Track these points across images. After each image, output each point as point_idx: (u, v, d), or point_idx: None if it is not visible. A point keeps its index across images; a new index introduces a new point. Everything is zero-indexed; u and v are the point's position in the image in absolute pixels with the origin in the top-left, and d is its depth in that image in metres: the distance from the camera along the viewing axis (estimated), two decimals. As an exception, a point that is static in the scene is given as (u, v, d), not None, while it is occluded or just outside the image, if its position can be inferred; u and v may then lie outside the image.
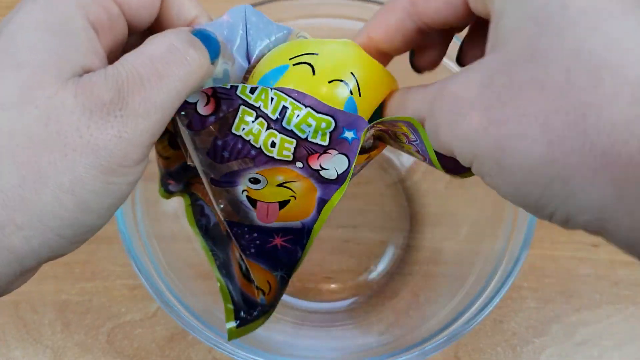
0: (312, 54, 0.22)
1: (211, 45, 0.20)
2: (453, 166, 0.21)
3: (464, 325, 0.29)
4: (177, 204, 0.39)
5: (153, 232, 0.33)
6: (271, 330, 0.37)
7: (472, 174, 0.20)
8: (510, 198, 0.18)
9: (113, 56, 0.20)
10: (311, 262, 0.40)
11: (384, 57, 0.24)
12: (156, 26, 0.22)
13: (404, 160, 0.43)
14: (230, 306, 0.28)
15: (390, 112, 0.22)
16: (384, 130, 0.23)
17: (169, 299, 0.30)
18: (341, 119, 0.21)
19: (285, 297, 0.39)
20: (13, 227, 0.17)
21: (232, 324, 0.28)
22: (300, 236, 0.27)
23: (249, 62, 0.22)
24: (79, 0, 0.19)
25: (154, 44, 0.19)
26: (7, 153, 0.17)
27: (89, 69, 0.18)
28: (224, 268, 0.29)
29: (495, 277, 0.31)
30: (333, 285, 0.40)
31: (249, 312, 0.28)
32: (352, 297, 0.40)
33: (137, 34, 0.22)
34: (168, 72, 0.18)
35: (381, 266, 0.40)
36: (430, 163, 0.21)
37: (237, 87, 0.21)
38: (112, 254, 0.40)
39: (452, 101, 0.18)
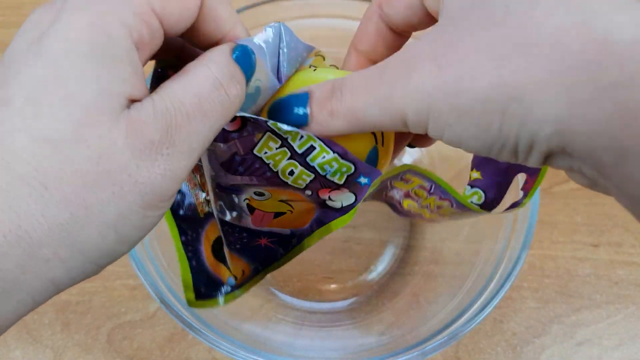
0: None
1: (248, 64, 0.20)
2: (494, 196, 0.22)
3: (464, 325, 0.29)
4: (177, 204, 0.39)
5: (153, 232, 0.33)
6: (271, 330, 0.37)
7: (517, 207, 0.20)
8: (474, 143, 0.18)
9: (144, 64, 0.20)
10: (311, 262, 0.40)
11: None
12: (189, 34, 0.21)
13: (404, 160, 0.43)
14: (189, 279, 0.29)
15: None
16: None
17: (169, 299, 0.30)
18: (361, 168, 0.22)
19: (285, 297, 0.39)
20: (57, 261, 0.17)
21: (191, 295, 0.29)
22: (287, 241, 0.28)
23: (280, 82, 0.22)
24: (124, 17, 0.18)
25: (198, 78, 0.19)
26: (58, 192, 0.17)
27: (135, 97, 0.18)
28: (190, 245, 0.29)
29: (495, 277, 0.31)
30: (333, 285, 0.40)
31: (207, 290, 0.30)
32: (352, 297, 0.40)
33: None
34: (213, 110, 0.19)
35: (381, 266, 0.40)
36: (459, 204, 0.22)
37: (267, 121, 0.21)
38: (112, 254, 0.40)
39: (402, 62, 0.19)
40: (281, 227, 0.27)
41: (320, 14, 0.38)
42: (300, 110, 0.21)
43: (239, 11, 0.36)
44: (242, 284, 0.30)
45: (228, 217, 0.26)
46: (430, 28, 0.20)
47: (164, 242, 0.34)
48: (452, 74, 0.17)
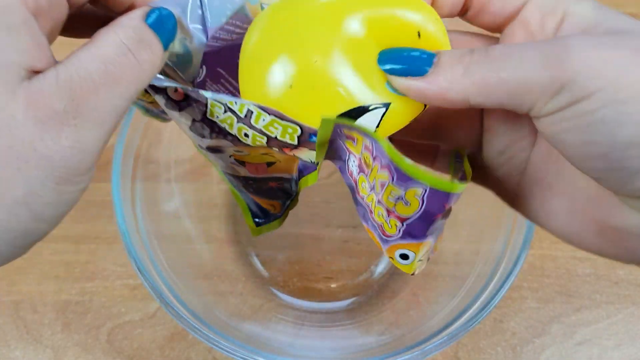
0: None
1: (166, 29, 0.19)
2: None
3: (464, 325, 0.29)
4: (178, 204, 0.39)
5: (153, 232, 0.33)
6: (271, 330, 0.37)
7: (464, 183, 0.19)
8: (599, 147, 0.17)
9: (52, 37, 0.20)
10: (311, 262, 0.40)
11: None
12: (101, 1, 0.21)
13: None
14: (248, 211, 0.31)
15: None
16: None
17: (169, 299, 0.30)
18: (307, 128, 0.20)
19: (285, 297, 0.39)
20: None
21: (252, 223, 0.31)
22: (294, 182, 0.29)
23: (207, 36, 0.21)
24: None
25: (105, 44, 0.18)
26: None
27: (36, 68, 0.17)
28: (234, 185, 0.30)
29: (495, 277, 0.31)
30: (333, 285, 0.40)
31: (262, 219, 0.31)
32: (352, 297, 0.40)
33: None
34: (122, 76, 0.18)
35: (381, 266, 0.40)
36: (399, 173, 0.19)
37: (195, 90, 0.20)
38: (112, 254, 0.40)
39: (584, 36, 0.18)
40: (279, 172, 0.27)
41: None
42: (424, 54, 0.19)
43: (239, 11, 0.36)
44: (281, 213, 0.31)
45: (229, 170, 0.27)
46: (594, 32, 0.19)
47: (164, 242, 0.34)
48: None
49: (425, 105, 0.21)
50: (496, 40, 0.22)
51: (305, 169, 0.28)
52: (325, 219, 0.41)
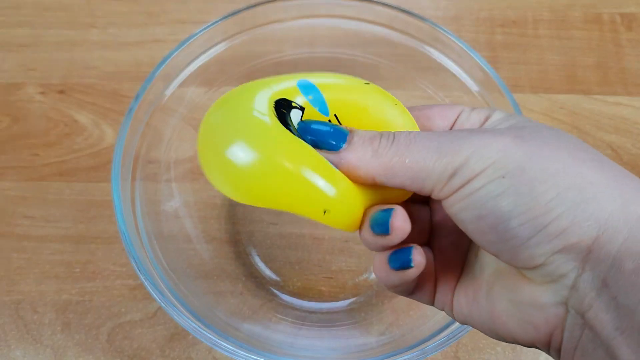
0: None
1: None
2: None
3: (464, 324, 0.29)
4: (178, 204, 0.39)
5: (153, 232, 0.33)
6: (271, 330, 0.37)
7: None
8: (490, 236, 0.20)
9: None
10: (311, 262, 0.40)
11: None
12: None
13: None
14: None
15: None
16: None
17: (169, 299, 0.30)
18: None
19: (285, 297, 0.39)
20: None
21: None
22: None
23: None
24: None
25: None
26: None
27: None
28: None
29: (495, 277, 0.31)
30: (333, 285, 0.40)
31: None
32: (352, 297, 0.40)
33: None
34: None
35: (381, 266, 0.40)
36: None
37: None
38: (112, 254, 0.40)
39: (478, 132, 0.21)
40: None
41: (320, 14, 0.38)
42: (339, 132, 0.22)
43: (238, 11, 0.36)
44: None
45: None
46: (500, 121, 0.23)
47: (164, 242, 0.34)
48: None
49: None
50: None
51: None
52: (325, 219, 0.41)
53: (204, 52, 0.37)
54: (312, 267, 0.40)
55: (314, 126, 0.22)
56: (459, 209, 0.20)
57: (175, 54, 0.35)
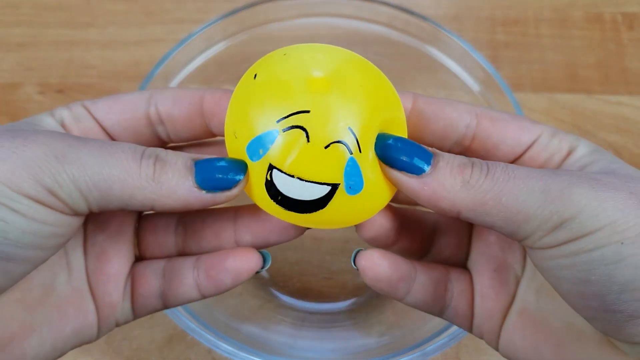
0: (303, 112, 0.19)
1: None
2: None
3: (465, 326, 0.29)
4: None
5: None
6: (271, 331, 0.37)
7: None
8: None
9: None
10: (311, 263, 0.40)
11: None
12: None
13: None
14: None
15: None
16: None
17: (168, 299, 0.30)
18: None
19: (285, 298, 0.39)
20: None
21: None
22: None
23: None
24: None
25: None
26: None
27: None
28: None
29: (497, 278, 0.31)
30: (333, 286, 0.40)
31: None
32: (352, 297, 0.39)
33: None
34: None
35: (381, 266, 0.40)
36: None
37: None
38: (111, 254, 0.40)
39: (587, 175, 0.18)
40: None
41: (320, 14, 0.38)
42: (423, 152, 0.19)
43: (238, 10, 0.36)
44: None
45: None
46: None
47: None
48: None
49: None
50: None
51: None
52: (325, 219, 0.41)
53: (203, 52, 0.37)
54: (312, 268, 0.40)
55: (394, 142, 0.19)
56: (559, 265, 0.17)
57: (174, 53, 0.35)
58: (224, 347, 0.29)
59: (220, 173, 0.19)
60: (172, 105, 0.22)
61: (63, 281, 0.20)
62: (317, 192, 0.19)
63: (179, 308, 0.30)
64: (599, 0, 0.50)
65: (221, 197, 0.19)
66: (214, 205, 0.19)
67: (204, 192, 0.18)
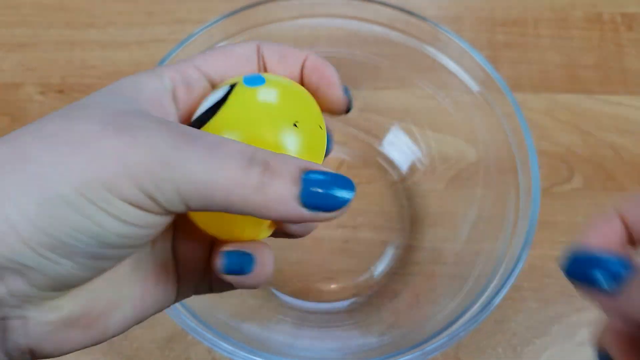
0: None
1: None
2: None
3: (464, 325, 0.29)
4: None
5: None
6: (271, 330, 0.37)
7: None
8: None
9: None
10: (311, 262, 0.40)
11: None
12: None
13: (404, 160, 0.43)
14: None
15: None
16: None
17: (169, 299, 0.30)
18: None
19: (285, 298, 0.39)
20: (4, 197, 0.16)
21: None
22: None
23: None
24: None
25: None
26: (12, 140, 0.17)
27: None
28: None
29: (496, 277, 0.31)
30: (333, 285, 0.40)
31: None
32: (352, 297, 0.40)
33: None
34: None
35: (381, 266, 0.40)
36: None
37: None
38: (112, 254, 0.40)
39: None
40: None
41: (320, 14, 0.38)
42: (619, 264, 0.16)
43: (238, 11, 0.36)
44: None
45: None
46: None
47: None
48: None
49: None
50: None
51: None
52: (325, 219, 0.41)
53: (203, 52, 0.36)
54: (312, 268, 0.40)
55: (584, 257, 0.17)
56: None
57: (174, 53, 0.35)
58: (224, 346, 0.29)
59: (329, 191, 0.17)
60: (278, 63, 0.22)
61: (148, 254, 0.20)
62: None
63: (180, 307, 0.30)
64: (599, 1, 0.50)
65: (322, 217, 0.17)
66: (311, 221, 0.18)
67: (305, 210, 0.17)
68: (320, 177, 0.17)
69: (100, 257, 0.17)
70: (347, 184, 0.17)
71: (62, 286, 0.17)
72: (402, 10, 0.36)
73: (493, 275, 0.31)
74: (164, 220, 0.17)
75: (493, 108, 0.35)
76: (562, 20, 0.49)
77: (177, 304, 0.30)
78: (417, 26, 0.37)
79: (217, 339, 0.29)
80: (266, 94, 0.20)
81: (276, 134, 0.19)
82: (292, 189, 0.17)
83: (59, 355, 0.18)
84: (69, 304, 0.18)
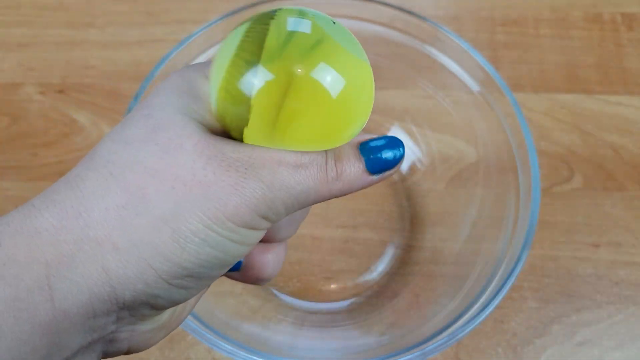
0: None
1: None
2: None
3: (464, 325, 0.29)
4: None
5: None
6: (271, 330, 0.37)
7: None
8: None
9: None
10: (311, 262, 0.40)
11: None
12: None
13: (404, 160, 0.42)
14: None
15: None
16: None
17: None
18: None
19: (285, 298, 0.39)
20: (109, 246, 0.17)
21: None
22: None
23: None
24: (206, 72, 0.20)
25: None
26: (119, 177, 0.18)
27: (214, 128, 0.19)
28: None
29: (496, 277, 0.31)
30: (333, 285, 0.40)
31: None
32: (352, 297, 0.40)
33: None
34: (303, 178, 0.19)
35: (381, 266, 0.40)
36: None
37: None
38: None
39: None
40: None
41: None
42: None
43: (238, 11, 0.36)
44: None
45: None
46: None
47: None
48: None
49: None
50: None
51: None
52: (325, 219, 0.41)
53: (203, 52, 0.37)
54: (312, 267, 0.40)
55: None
56: None
57: (174, 53, 0.35)
58: (224, 346, 0.29)
59: (386, 154, 0.21)
60: None
61: None
62: None
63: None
64: (599, 1, 0.50)
65: (388, 175, 0.21)
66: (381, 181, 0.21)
67: (374, 176, 0.21)
68: (373, 144, 0.21)
69: (214, 278, 0.20)
70: (396, 143, 0.21)
71: (178, 304, 0.19)
72: (402, 10, 0.36)
73: (493, 275, 0.31)
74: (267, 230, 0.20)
75: (493, 108, 0.35)
76: (562, 20, 0.49)
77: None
78: (417, 26, 0.37)
79: (217, 339, 0.29)
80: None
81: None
82: (359, 165, 0.20)
83: (145, 350, 0.20)
84: (166, 314, 0.20)
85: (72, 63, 0.48)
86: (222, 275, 0.23)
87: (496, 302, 0.29)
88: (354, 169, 0.20)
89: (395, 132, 0.42)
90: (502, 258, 0.31)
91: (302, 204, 0.19)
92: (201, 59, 0.37)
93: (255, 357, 0.29)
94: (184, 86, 0.20)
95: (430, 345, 0.29)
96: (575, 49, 0.48)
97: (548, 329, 0.38)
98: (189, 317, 0.30)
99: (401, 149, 0.21)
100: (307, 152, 0.19)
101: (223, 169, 0.18)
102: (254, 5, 0.36)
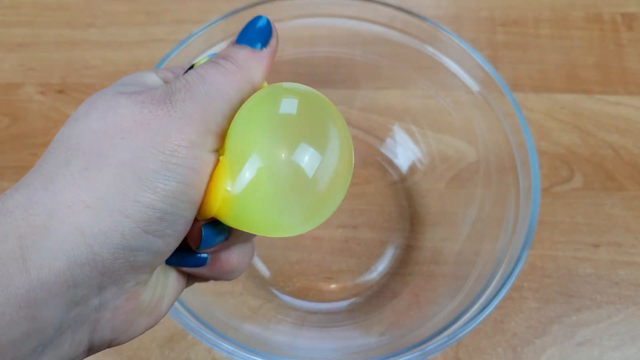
0: None
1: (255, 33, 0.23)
2: None
3: (464, 325, 0.29)
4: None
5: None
6: (271, 330, 0.37)
7: None
8: None
9: None
10: (311, 262, 0.40)
11: None
12: None
13: (404, 160, 0.43)
14: None
15: None
16: None
17: (169, 299, 0.30)
18: None
19: (285, 298, 0.39)
20: (80, 206, 0.18)
21: None
22: None
23: None
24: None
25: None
26: (75, 147, 0.19)
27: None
28: None
29: (496, 278, 0.31)
30: (333, 286, 0.40)
31: None
32: (352, 297, 0.40)
33: None
34: (210, 77, 0.21)
35: (381, 266, 0.40)
36: None
37: None
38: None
39: None
40: None
41: (320, 14, 0.38)
42: None
43: (238, 11, 0.36)
44: None
45: None
46: None
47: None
48: None
49: None
50: None
51: None
52: (325, 219, 0.41)
53: (203, 52, 0.37)
54: (312, 268, 0.40)
55: None
56: None
57: (174, 53, 0.35)
58: (224, 346, 0.29)
59: (257, 25, 0.24)
60: None
61: None
62: None
63: (180, 307, 0.30)
64: (599, 1, 0.50)
65: (274, 44, 0.24)
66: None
67: (264, 49, 0.23)
68: (241, 32, 0.24)
69: (186, 224, 0.20)
70: (257, 17, 0.24)
71: (153, 267, 0.20)
72: (402, 10, 0.36)
73: (493, 275, 0.31)
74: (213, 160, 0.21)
75: (493, 108, 0.35)
76: (562, 20, 0.49)
77: (176, 304, 0.30)
78: (417, 26, 0.37)
79: (217, 339, 0.29)
80: None
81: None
82: (245, 48, 0.23)
83: (128, 341, 0.21)
84: (144, 294, 0.21)
85: (72, 63, 0.48)
86: (194, 280, 0.25)
87: (496, 302, 0.29)
88: (243, 52, 0.22)
89: (395, 132, 0.42)
90: (502, 258, 0.31)
91: (229, 102, 0.21)
92: (201, 59, 0.37)
93: (255, 357, 0.29)
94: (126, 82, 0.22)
95: (430, 345, 0.29)
96: (575, 49, 0.48)
97: (548, 329, 0.38)
98: (189, 317, 0.30)
99: (263, 18, 0.24)
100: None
101: (154, 105, 0.20)
102: (254, 5, 0.36)
